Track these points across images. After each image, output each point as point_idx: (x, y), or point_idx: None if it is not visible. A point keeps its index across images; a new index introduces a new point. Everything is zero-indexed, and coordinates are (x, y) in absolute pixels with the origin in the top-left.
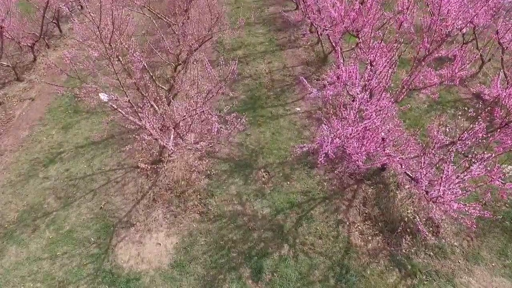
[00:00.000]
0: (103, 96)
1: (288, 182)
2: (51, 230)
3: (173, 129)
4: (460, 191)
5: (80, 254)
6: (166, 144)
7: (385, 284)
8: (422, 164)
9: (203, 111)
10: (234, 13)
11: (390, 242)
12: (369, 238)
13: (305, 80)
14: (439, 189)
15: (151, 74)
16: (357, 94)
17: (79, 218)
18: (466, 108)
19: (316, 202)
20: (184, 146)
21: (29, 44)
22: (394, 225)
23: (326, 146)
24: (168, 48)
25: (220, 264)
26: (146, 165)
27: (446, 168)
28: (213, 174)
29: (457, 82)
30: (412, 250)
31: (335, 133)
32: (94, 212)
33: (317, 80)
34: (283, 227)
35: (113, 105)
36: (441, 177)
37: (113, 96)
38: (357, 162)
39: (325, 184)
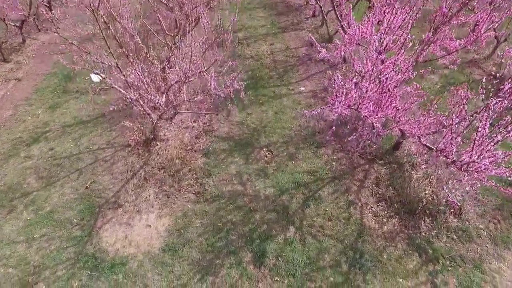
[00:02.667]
0: (95, 77)
1: (293, 162)
2: (30, 211)
3: (165, 93)
4: (500, 152)
5: (61, 236)
6: (158, 103)
7: (404, 270)
8: (450, 130)
9: (201, 71)
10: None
11: (407, 225)
12: (384, 220)
13: (313, 38)
14: (471, 154)
15: (146, 51)
16: (373, 53)
17: (62, 198)
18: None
19: (324, 182)
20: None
21: (17, 24)
22: (412, 206)
23: (339, 103)
24: (165, 28)
25: (217, 248)
26: (139, 140)
27: (481, 126)
28: (211, 152)
29: (483, 43)
30: (433, 233)
31: (348, 89)
32: (79, 192)
33: (322, 61)
34: (288, 208)
35: (106, 79)
36: (474, 139)
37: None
38: (374, 124)
39: (333, 163)
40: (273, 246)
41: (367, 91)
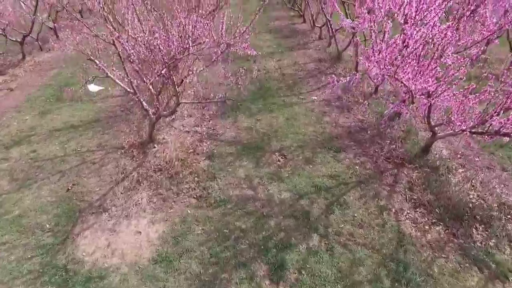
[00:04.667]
0: (92, 87)
1: (311, 166)
2: None
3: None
4: None
5: (26, 245)
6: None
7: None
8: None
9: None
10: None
11: (456, 233)
12: (426, 227)
13: None
14: None
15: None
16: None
17: (36, 201)
18: None
19: (349, 186)
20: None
21: (18, 40)
22: (457, 212)
23: (375, 61)
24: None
25: (223, 259)
26: (134, 142)
27: None
28: (216, 156)
29: None
30: (491, 243)
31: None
32: (58, 195)
33: (332, 74)
34: (309, 214)
35: (113, 78)
36: None
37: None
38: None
39: (357, 167)
40: (293, 257)
41: (407, 46)
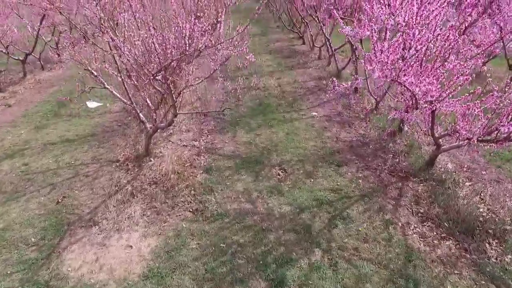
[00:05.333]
0: (91, 104)
1: (312, 179)
2: None
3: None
4: None
5: (7, 260)
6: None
7: None
8: None
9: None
10: None
11: (468, 248)
12: (435, 242)
13: None
14: None
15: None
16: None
17: (23, 214)
18: None
19: (352, 200)
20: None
21: (20, 58)
22: (468, 226)
23: (377, 64)
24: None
25: (219, 275)
26: (130, 156)
27: None
28: (213, 169)
29: None
30: (507, 259)
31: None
32: (47, 208)
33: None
34: (310, 228)
35: (110, 89)
36: None
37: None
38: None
39: (360, 181)
40: (294, 272)
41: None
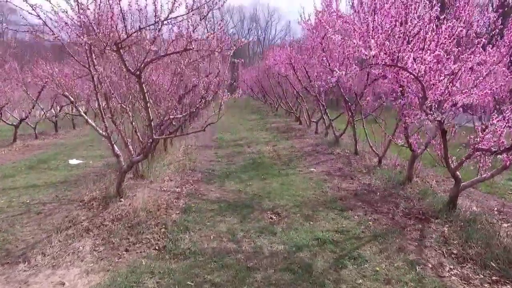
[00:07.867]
0: (73, 161)
1: (311, 222)
2: None
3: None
4: None
5: None
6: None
7: None
8: None
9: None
10: (235, 126)
11: None
12: (486, 286)
13: None
14: None
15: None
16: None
17: None
18: None
19: (363, 241)
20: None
21: (14, 124)
22: None
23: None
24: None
25: None
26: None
27: None
28: (192, 210)
29: None
30: None
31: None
32: None
33: (331, 153)
34: (311, 267)
35: (85, 117)
36: None
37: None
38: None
39: (370, 223)
40: None
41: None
